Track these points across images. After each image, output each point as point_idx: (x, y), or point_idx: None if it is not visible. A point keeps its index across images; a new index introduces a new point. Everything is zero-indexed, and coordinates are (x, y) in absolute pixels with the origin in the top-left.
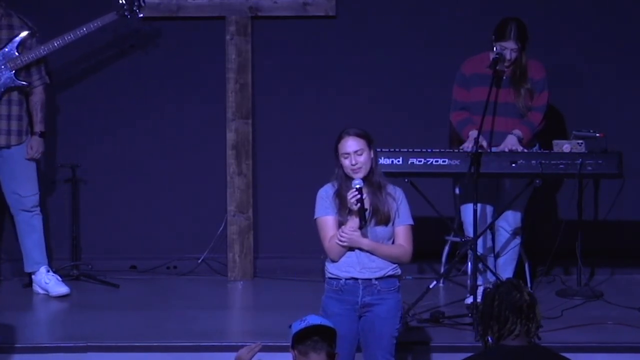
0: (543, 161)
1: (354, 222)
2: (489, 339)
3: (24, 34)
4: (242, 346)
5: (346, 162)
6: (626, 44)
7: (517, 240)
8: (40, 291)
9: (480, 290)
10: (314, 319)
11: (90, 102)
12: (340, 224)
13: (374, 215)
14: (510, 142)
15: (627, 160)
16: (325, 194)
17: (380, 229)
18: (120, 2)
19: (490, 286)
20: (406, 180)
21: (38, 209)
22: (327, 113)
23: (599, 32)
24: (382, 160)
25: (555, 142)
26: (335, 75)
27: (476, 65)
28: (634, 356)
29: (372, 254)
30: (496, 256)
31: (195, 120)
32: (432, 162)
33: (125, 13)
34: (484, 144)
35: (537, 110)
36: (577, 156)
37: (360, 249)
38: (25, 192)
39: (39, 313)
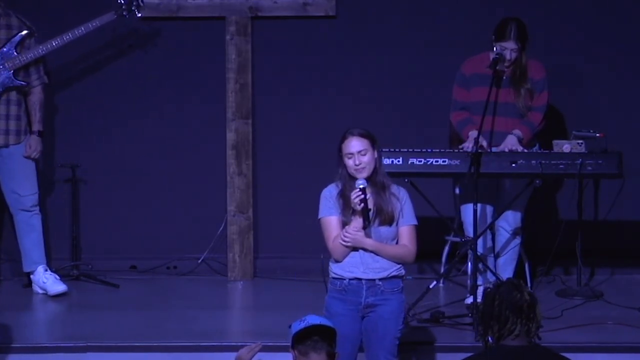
0: (543, 161)
1: (357, 222)
2: (489, 338)
3: (22, 33)
4: (242, 346)
5: (350, 162)
6: (626, 44)
7: (517, 240)
8: (39, 291)
9: (480, 290)
10: (313, 319)
11: (90, 102)
12: (344, 224)
13: (378, 216)
14: (510, 142)
15: (627, 160)
16: (329, 194)
17: (384, 229)
18: (119, 2)
19: (491, 286)
20: (406, 180)
21: (37, 208)
22: (327, 113)
23: (599, 32)
24: (382, 160)
25: (555, 142)
26: (335, 75)
27: (476, 65)
28: (634, 356)
29: (376, 254)
30: (496, 256)
31: (195, 120)
32: (432, 162)
33: (124, 13)
34: (484, 144)
35: (537, 110)
36: (577, 156)
37: (364, 249)
38: (24, 192)
39: (38, 313)
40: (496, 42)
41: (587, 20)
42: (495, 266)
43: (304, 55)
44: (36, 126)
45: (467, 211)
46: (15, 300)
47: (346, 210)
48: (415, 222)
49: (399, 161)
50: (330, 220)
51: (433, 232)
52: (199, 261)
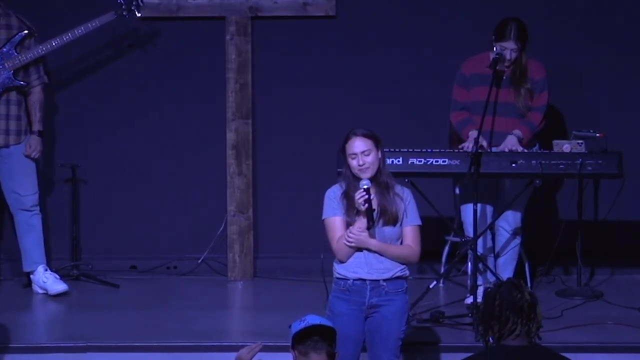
0: (543, 161)
1: (361, 222)
2: (490, 339)
3: (22, 33)
4: (242, 346)
5: (353, 163)
6: (626, 44)
7: (517, 240)
8: (40, 290)
9: (480, 290)
10: (313, 319)
11: (90, 102)
12: (348, 225)
13: (382, 216)
14: (510, 142)
15: (627, 160)
16: (333, 195)
17: (388, 230)
18: (119, 2)
19: (491, 286)
20: (406, 180)
21: (37, 208)
22: (327, 113)
23: (599, 32)
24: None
25: (555, 142)
26: (335, 75)
27: (476, 65)
28: (634, 356)
29: (380, 254)
30: (496, 256)
31: (195, 120)
32: (432, 162)
33: (124, 13)
34: (484, 144)
35: (537, 110)
36: (577, 156)
37: (368, 250)
38: (24, 192)
39: (38, 313)
40: (496, 42)
41: (587, 20)
42: (495, 266)
43: (304, 55)
44: (36, 126)
45: (467, 211)
46: (15, 300)
47: (350, 210)
48: (420, 223)
49: (399, 161)
50: (334, 220)
51: (433, 232)
52: (199, 261)
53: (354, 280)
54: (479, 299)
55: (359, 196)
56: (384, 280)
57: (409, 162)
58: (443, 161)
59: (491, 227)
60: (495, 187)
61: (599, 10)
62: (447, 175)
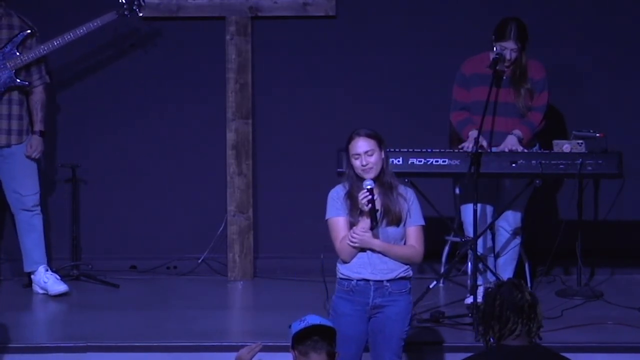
0: (543, 161)
1: (365, 222)
2: (490, 338)
3: (24, 33)
4: (242, 346)
5: (357, 163)
6: (626, 44)
7: (517, 240)
8: (40, 291)
9: (480, 290)
10: (313, 319)
11: (90, 102)
12: (352, 225)
13: (385, 216)
14: (510, 142)
15: (627, 160)
16: (337, 195)
17: (391, 230)
18: (120, 1)
19: (491, 286)
20: (406, 180)
21: (38, 208)
22: (327, 113)
23: (599, 32)
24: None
25: (555, 142)
26: (335, 75)
27: (476, 65)
28: (634, 356)
29: (383, 254)
30: (496, 256)
31: (195, 120)
32: (432, 162)
33: (125, 12)
34: (484, 144)
35: (537, 110)
36: (577, 156)
37: (372, 250)
38: (25, 191)
39: (38, 313)
40: (496, 42)
41: (587, 20)
42: (495, 266)
43: (304, 55)
44: (37, 126)
45: (467, 211)
46: (15, 300)
47: (354, 211)
48: (423, 223)
49: (399, 161)
50: (338, 221)
51: (433, 232)
52: (199, 261)
53: (357, 280)
54: (479, 299)
55: (363, 196)
56: (388, 280)
57: (409, 162)
58: (443, 161)
59: (491, 227)
60: (495, 187)
61: (599, 10)
62: (447, 175)
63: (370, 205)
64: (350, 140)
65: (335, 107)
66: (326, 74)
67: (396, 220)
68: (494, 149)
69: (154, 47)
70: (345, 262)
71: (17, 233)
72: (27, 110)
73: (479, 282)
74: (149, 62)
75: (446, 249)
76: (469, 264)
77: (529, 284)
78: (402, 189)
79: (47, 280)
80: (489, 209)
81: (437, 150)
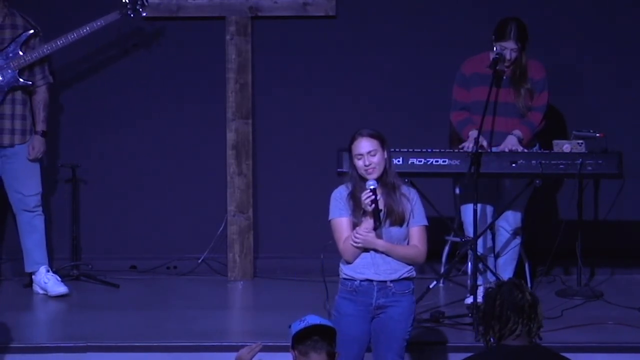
0: (543, 161)
1: (368, 223)
2: (491, 338)
3: (27, 33)
4: (242, 346)
5: (360, 163)
6: (626, 44)
7: (517, 240)
8: (40, 291)
9: (480, 290)
10: (313, 319)
11: (90, 102)
12: (355, 225)
13: (389, 216)
14: (511, 143)
15: (627, 160)
16: (340, 195)
17: (394, 230)
18: (124, 1)
19: (492, 286)
20: (406, 180)
21: (40, 209)
22: (327, 113)
23: (599, 32)
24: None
25: (555, 142)
26: (335, 75)
27: (476, 65)
28: (634, 356)
29: (387, 255)
30: (496, 256)
31: (195, 120)
32: (432, 162)
33: (129, 12)
34: (484, 143)
35: (537, 110)
36: (577, 156)
37: (375, 250)
38: (28, 191)
39: (39, 313)
40: (496, 42)
41: (587, 20)
42: (495, 266)
43: (304, 55)
44: (40, 126)
45: (467, 211)
46: (15, 300)
47: (357, 211)
48: (426, 223)
49: (399, 161)
50: (341, 221)
51: (433, 232)
52: (199, 261)
53: (361, 281)
54: (479, 299)
55: (366, 197)
56: (391, 281)
57: (409, 162)
58: (443, 161)
59: (491, 227)
60: (495, 187)
61: (599, 10)
62: (447, 175)
63: (373, 205)
64: (353, 140)
65: (335, 107)
66: (326, 74)
67: (399, 220)
68: (494, 149)
69: (157, 47)
70: (348, 263)
71: (18, 233)
72: (31, 110)
73: (479, 282)
74: (149, 62)
75: (446, 249)
76: (469, 264)
77: (529, 284)
78: (405, 189)
79: (47, 281)
80: (489, 209)
81: (437, 150)
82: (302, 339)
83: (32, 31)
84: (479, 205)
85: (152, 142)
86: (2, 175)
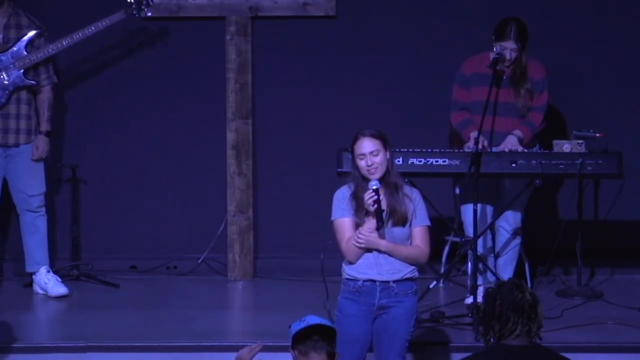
0: (543, 161)
1: (371, 223)
2: (491, 338)
3: (32, 33)
4: (242, 346)
5: (362, 163)
6: (626, 44)
7: (517, 240)
8: (40, 291)
9: (480, 290)
10: (313, 319)
11: (89, 102)
12: (357, 226)
13: (391, 216)
14: (511, 142)
15: (627, 160)
16: (342, 196)
17: (397, 230)
18: (129, 1)
19: (492, 286)
20: (406, 180)
21: (43, 209)
22: (327, 113)
23: (599, 32)
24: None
25: (555, 142)
26: (335, 75)
27: (476, 65)
28: (634, 356)
29: (389, 255)
30: (496, 256)
31: (195, 120)
32: (432, 162)
33: (134, 12)
34: (485, 143)
35: (538, 110)
36: (577, 156)
37: (378, 251)
38: (31, 191)
39: (39, 313)
40: (496, 42)
41: (587, 20)
42: (495, 266)
43: (304, 55)
44: (44, 126)
45: (467, 211)
46: (15, 300)
47: (359, 211)
48: (429, 223)
49: (399, 161)
50: (344, 221)
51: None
52: (199, 261)
53: (364, 281)
54: (479, 299)
55: (368, 197)
56: (394, 281)
57: (409, 162)
58: (443, 161)
59: (491, 227)
60: (495, 187)
61: (599, 10)
62: (447, 175)
63: (375, 205)
64: (355, 140)
65: (335, 107)
66: (326, 74)
67: (402, 220)
68: (494, 149)
69: (156, 47)
70: (351, 263)
71: (21, 233)
72: (35, 109)
73: (479, 282)
74: (149, 63)
75: (446, 249)
76: (469, 264)
77: (529, 284)
78: (407, 189)
79: (47, 282)
80: (489, 209)
81: (437, 150)
82: (302, 338)
83: (37, 31)
84: (479, 205)
85: (152, 142)
86: (6, 175)
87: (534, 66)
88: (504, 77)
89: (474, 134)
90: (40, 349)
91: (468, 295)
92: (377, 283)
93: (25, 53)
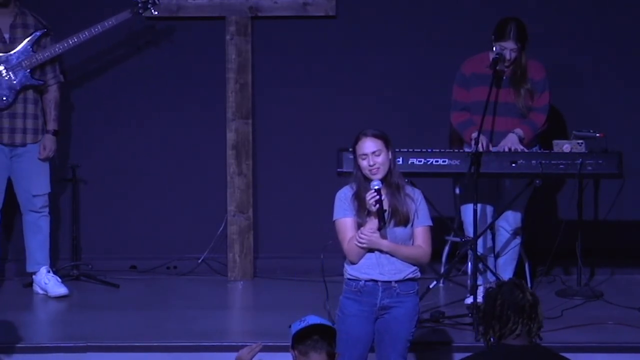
0: (543, 161)
1: (373, 223)
2: (491, 338)
3: (39, 32)
4: (242, 346)
5: (364, 163)
6: (627, 44)
7: (517, 240)
8: (40, 291)
9: (480, 290)
10: (313, 319)
11: (89, 102)
12: (359, 226)
13: (393, 216)
14: (511, 140)
15: (627, 160)
16: (344, 196)
17: (399, 230)
18: (134, 0)
19: (492, 286)
20: (406, 180)
21: (46, 210)
22: (327, 113)
23: (599, 32)
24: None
25: (555, 142)
26: (335, 75)
27: (476, 65)
28: (634, 356)
29: (391, 255)
30: (496, 256)
31: (195, 120)
32: (432, 162)
33: (140, 11)
34: (484, 142)
35: (540, 111)
36: (577, 156)
37: (380, 251)
38: (36, 191)
39: (39, 313)
40: (496, 42)
41: (587, 20)
42: (495, 266)
43: (304, 55)
44: (51, 125)
45: (467, 211)
46: (15, 299)
47: (361, 211)
48: (430, 223)
49: (399, 161)
50: (345, 221)
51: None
52: (199, 261)
53: (365, 281)
54: (479, 299)
55: (370, 197)
56: (396, 281)
57: (409, 162)
58: (443, 161)
59: (491, 227)
60: (495, 187)
61: (599, 10)
62: (447, 175)
63: (377, 205)
64: (357, 140)
65: (335, 107)
66: (326, 74)
67: (404, 220)
68: (494, 149)
69: (156, 47)
70: (353, 263)
71: (23, 232)
72: (42, 109)
73: (479, 282)
74: (149, 63)
75: (446, 249)
76: (469, 264)
77: (529, 284)
78: (409, 189)
79: (47, 282)
80: (489, 209)
81: (437, 150)
82: (302, 338)
83: (43, 30)
84: (479, 205)
85: (152, 142)
86: (11, 175)
87: (534, 66)
88: (504, 77)
89: (475, 135)
90: (40, 349)
91: (468, 295)
92: (379, 283)
93: (31, 52)
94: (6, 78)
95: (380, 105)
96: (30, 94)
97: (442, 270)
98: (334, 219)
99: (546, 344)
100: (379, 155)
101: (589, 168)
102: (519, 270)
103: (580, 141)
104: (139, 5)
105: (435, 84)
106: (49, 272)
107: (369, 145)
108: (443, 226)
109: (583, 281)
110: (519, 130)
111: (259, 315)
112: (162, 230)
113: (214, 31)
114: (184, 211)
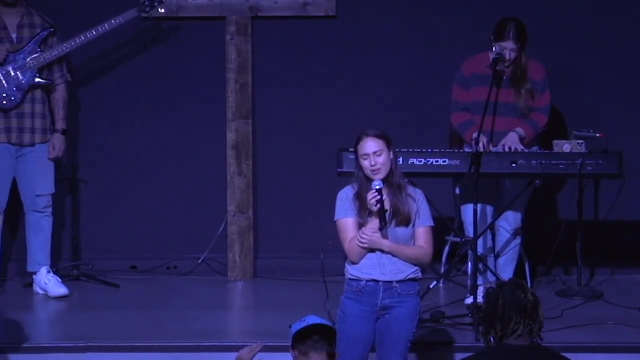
0: (543, 161)
1: (374, 223)
2: (491, 338)
3: (45, 32)
4: (242, 346)
5: (365, 163)
6: (626, 44)
7: (517, 240)
8: (40, 291)
9: (480, 290)
10: (313, 319)
11: (89, 102)
12: (361, 226)
13: (394, 216)
14: (511, 139)
15: (627, 160)
16: (345, 196)
17: (400, 230)
18: None
19: (492, 286)
20: (407, 180)
21: (49, 210)
22: (327, 113)
23: (599, 32)
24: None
25: (555, 142)
26: (335, 75)
27: (476, 65)
28: (634, 356)
29: (392, 255)
30: (496, 256)
31: (195, 120)
32: (432, 162)
33: (146, 10)
34: (485, 141)
35: (541, 111)
36: (577, 156)
37: (381, 251)
38: (39, 191)
39: (39, 313)
40: (495, 42)
41: (587, 20)
42: (495, 266)
43: (304, 55)
44: (59, 124)
45: (467, 211)
46: (15, 299)
47: (362, 211)
48: (432, 223)
49: (399, 161)
50: (347, 221)
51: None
52: (199, 261)
53: (367, 281)
54: (479, 299)
55: (372, 197)
56: (397, 281)
57: (409, 162)
58: (443, 161)
59: (491, 227)
60: (495, 187)
61: (599, 10)
62: (447, 175)
63: (379, 205)
64: (358, 140)
65: (335, 107)
66: (326, 74)
67: (405, 220)
68: (494, 149)
69: (156, 47)
70: (354, 263)
71: (25, 231)
72: (49, 108)
73: (479, 282)
74: (149, 63)
75: (446, 249)
76: (469, 264)
77: (529, 284)
78: (411, 189)
79: (47, 282)
80: (489, 209)
81: (437, 150)
82: (302, 338)
83: (50, 30)
84: (479, 205)
85: (152, 142)
86: (16, 175)
87: (534, 66)
88: (504, 77)
89: (475, 135)
90: (40, 349)
91: (468, 295)
92: (380, 283)
93: (39, 52)
94: (14, 78)
95: (380, 105)
96: (38, 93)
97: (442, 270)
98: (335, 219)
99: (546, 344)
100: (380, 155)
101: (589, 168)
102: (519, 270)
103: (580, 141)
104: (146, 3)
105: (435, 84)
106: (49, 272)
107: (370, 145)
108: (443, 226)
109: (583, 281)
110: (520, 130)
111: (259, 315)
112: (162, 230)
113: (214, 31)
114: (184, 211)
